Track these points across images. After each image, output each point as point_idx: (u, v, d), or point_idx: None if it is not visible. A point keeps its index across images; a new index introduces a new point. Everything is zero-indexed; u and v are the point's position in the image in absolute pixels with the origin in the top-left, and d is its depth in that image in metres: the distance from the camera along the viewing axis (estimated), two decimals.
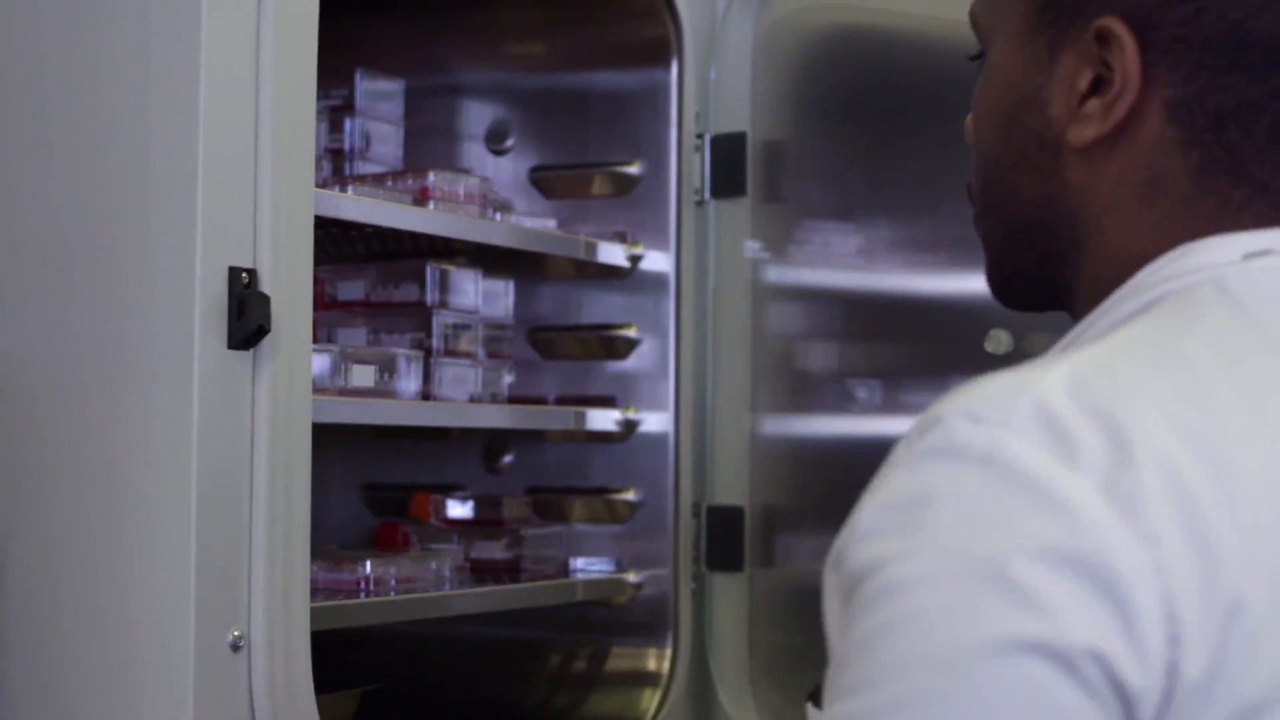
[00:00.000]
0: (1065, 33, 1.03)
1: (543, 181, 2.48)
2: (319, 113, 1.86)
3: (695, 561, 2.35)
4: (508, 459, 2.52)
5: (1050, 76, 1.04)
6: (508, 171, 2.50)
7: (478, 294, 2.27)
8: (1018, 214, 1.08)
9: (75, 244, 1.69)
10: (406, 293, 2.23)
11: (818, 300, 2.41)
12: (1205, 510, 0.84)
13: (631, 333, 2.39)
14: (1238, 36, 0.99)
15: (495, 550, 2.32)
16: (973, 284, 2.20)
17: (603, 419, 2.34)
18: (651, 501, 2.36)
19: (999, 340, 2.03)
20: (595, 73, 2.46)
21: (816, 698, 0.99)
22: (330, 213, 1.87)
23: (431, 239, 2.16)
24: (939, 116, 2.18)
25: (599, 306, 2.43)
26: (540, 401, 2.44)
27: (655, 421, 2.36)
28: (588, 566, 2.39)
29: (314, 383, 1.77)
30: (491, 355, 2.27)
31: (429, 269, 2.21)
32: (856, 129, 2.36)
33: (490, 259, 2.30)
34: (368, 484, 2.57)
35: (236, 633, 1.64)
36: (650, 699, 2.34)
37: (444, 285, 2.22)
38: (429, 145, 2.48)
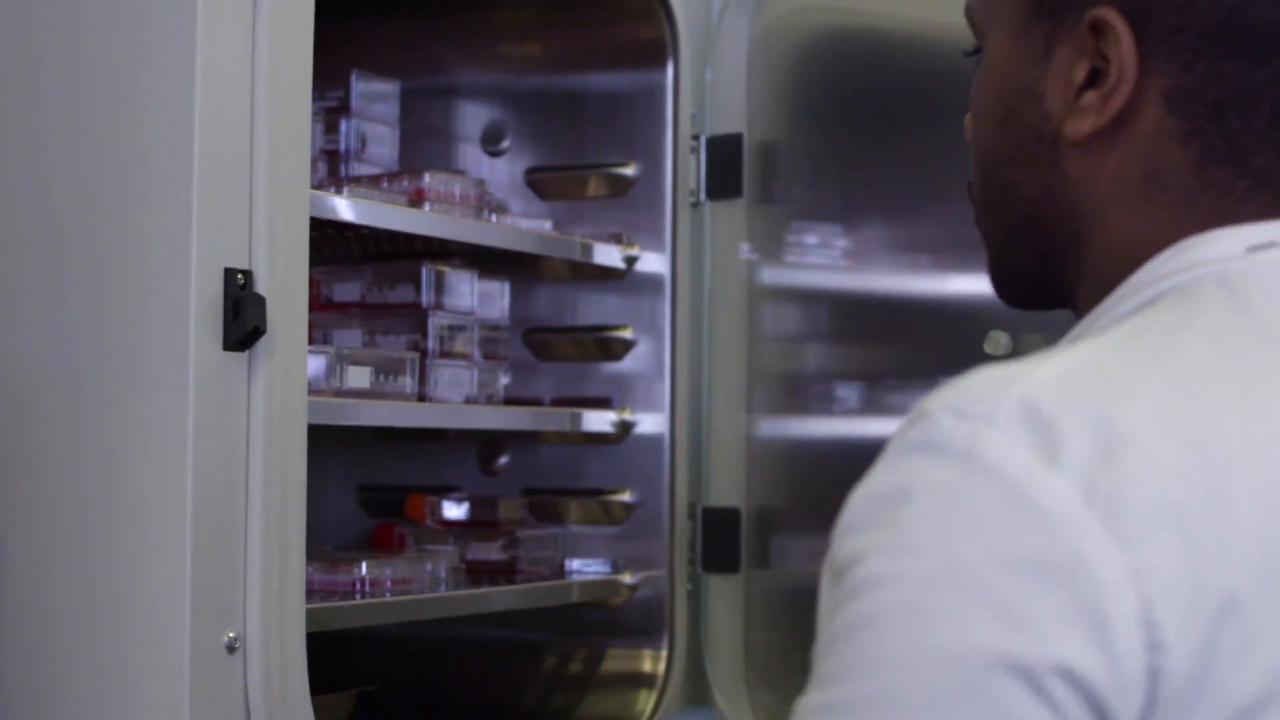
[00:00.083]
0: (1060, 25, 1.03)
1: (538, 183, 2.48)
2: (314, 114, 1.86)
3: (691, 563, 2.35)
4: (503, 460, 2.52)
5: (1046, 70, 1.03)
6: (503, 173, 2.50)
7: (473, 295, 2.27)
8: (1017, 210, 1.07)
9: (70, 245, 1.69)
10: (402, 294, 2.23)
11: (813, 302, 2.41)
12: (1196, 509, 0.84)
13: (627, 334, 2.39)
14: (1234, 23, 0.98)
15: (491, 551, 2.31)
16: (969, 285, 2.20)
17: (598, 420, 2.34)
18: (647, 503, 2.36)
19: (998, 342, 2.03)
20: (591, 74, 2.46)
21: None
22: (326, 214, 1.87)
23: (427, 240, 2.16)
24: (935, 118, 2.18)
25: (594, 308, 2.43)
26: (536, 403, 2.44)
27: (651, 423, 2.36)
28: (583, 568, 2.39)
29: (309, 384, 1.77)
30: (487, 356, 2.27)
31: (424, 270, 2.21)
32: (852, 130, 2.36)
33: (486, 260, 2.30)
34: (363, 485, 2.56)
35: (232, 634, 1.64)
36: (646, 700, 2.34)
37: (439, 287, 2.22)
38: (424, 146, 2.48)
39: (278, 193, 1.68)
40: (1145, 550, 0.82)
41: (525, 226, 2.31)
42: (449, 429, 2.48)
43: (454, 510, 2.43)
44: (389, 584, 2.06)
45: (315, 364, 1.91)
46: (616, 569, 2.37)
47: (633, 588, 2.35)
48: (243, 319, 1.63)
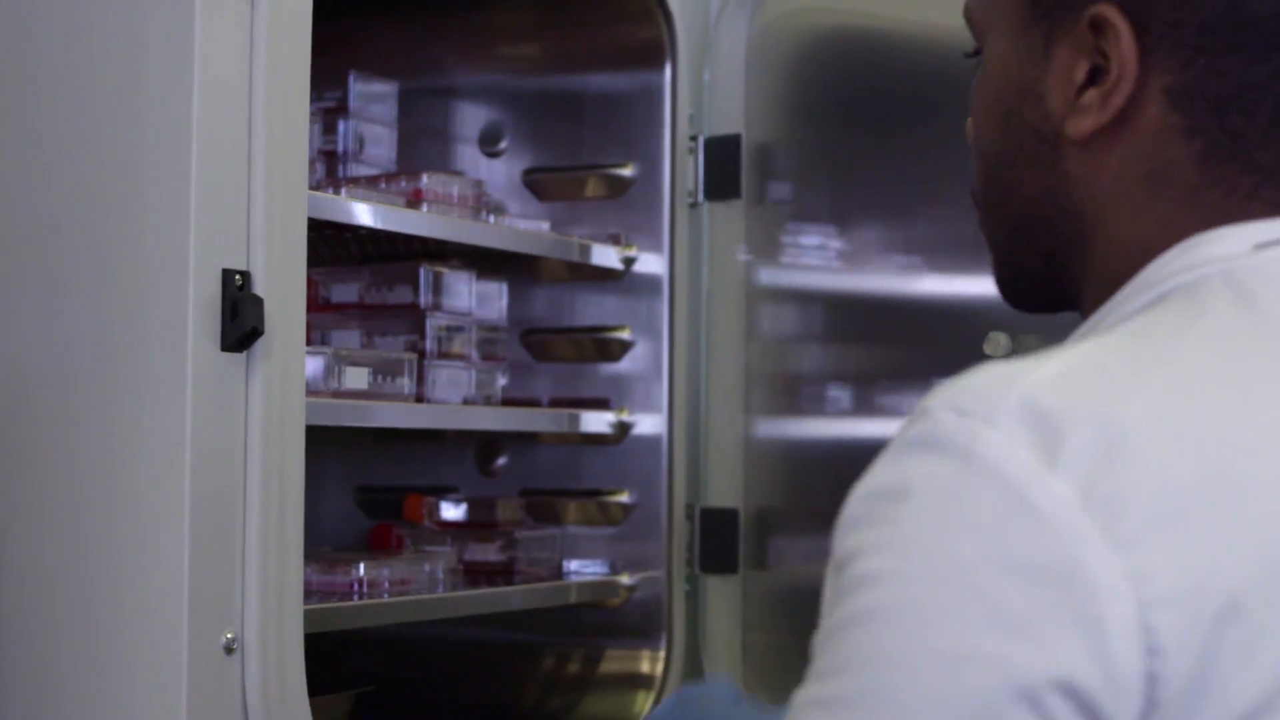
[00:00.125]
0: (1060, 24, 1.02)
1: (536, 184, 2.48)
2: (312, 115, 1.86)
3: (689, 564, 2.35)
4: (501, 461, 2.52)
5: (1046, 69, 1.02)
6: (501, 174, 2.50)
7: (471, 296, 2.27)
8: (1020, 211, 1.06)
9: (69, 246, 1.69)
10: (400, 295, 2.23)
11: (811, 302, 2.41)
12: (1197, 510, 0.83)
13: (625, 335, 2.39)
14: (1235, 17, 0.97)
15: (489, 552, 2.31)
16: (967, 286, 2.20)
17: (596, 421, 2.34)
18: (645, 504, 2.36)
19: (998, 343, 2.03)
20: (589, 75, 2.46)
21: None
22: (324, 215, 1.87)
23: (425, 241, 2.16)
24: (933, 119, 2.19)
25: (592, 308, 2.43)
26: (534, 404, 2.44)
27: (649, 424, 2.36)
28: (581, 569, 2.39)
29: (307, 385, 1.77)
30: (485, 357, 2.27)
31: (422, 271, 2.21)
32: (850, 131, 2.36)
33: (484, 261, 2.30)
34: (361, 486, 2.56)
35: (230, 635, 1.64)
36: (644, 701, 2.34)
37: (437, 287, 2.22)
38: (423, 147, 2.48)
39: (276, 193, 1.68)
40: (1144, 553, 0.82)
41: (523, 227, 2.31)
42: (447, 430, 2.48)
43: (452, 511, 2.43)
44: (387, 585, 2.06)
45: (313, 365, 1.91)
46: (614, 570, 2.37)
47: (631, 588, 2.35)
48: (240, 320, 1.63)
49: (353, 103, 2.26)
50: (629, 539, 2.37)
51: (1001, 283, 1.11)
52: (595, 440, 2.39)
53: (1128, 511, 0.82)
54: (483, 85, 2.56)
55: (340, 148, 2.24)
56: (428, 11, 2.49)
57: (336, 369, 1.96)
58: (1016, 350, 2.03)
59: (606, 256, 2.34)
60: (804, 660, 0.89)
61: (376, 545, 2.36)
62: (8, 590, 1.70)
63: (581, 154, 2.45)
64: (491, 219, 2.26)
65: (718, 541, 2.35)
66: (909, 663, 0.82)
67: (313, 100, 1.76)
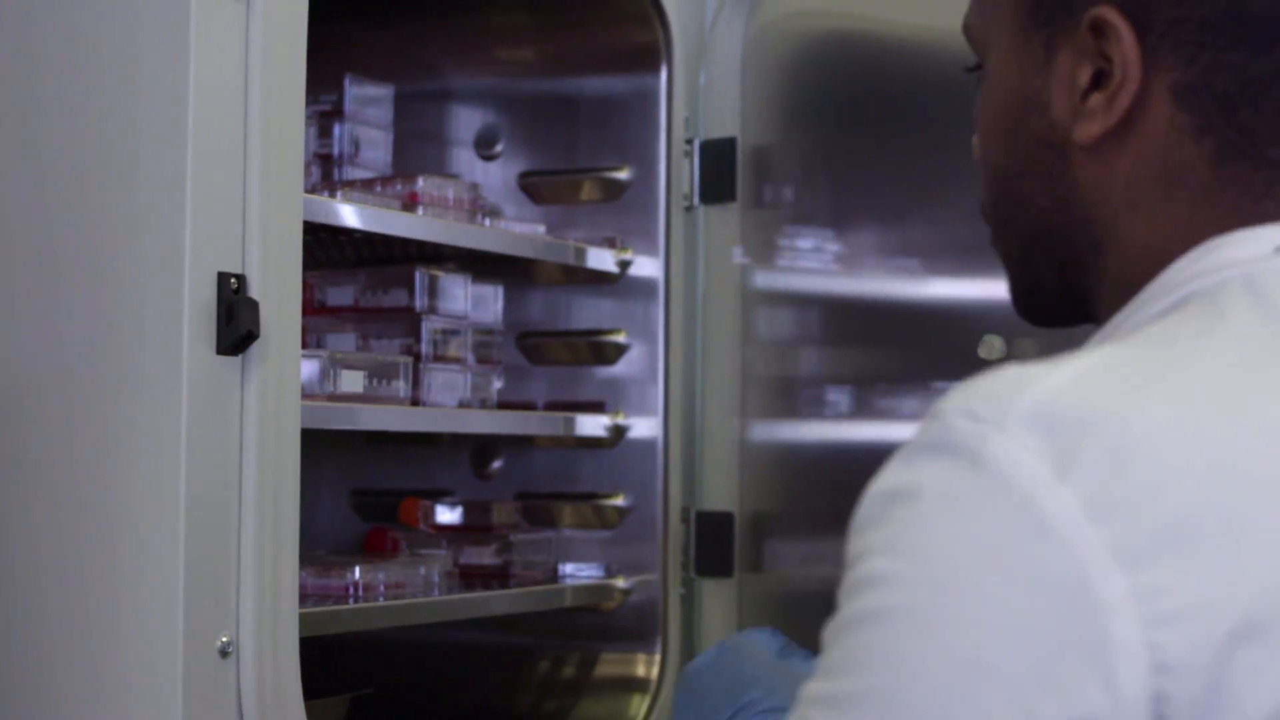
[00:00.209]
0: (1060, 29, 1.01)
1: (532, 187, 2.48)
2: (308, 118, 1.86)
3: (684, 567, 2.35)
4: (497, 464, 2.52)
5: (1049, 77, 1.01)
6: (497, 177, 2.50)
7: (467, 299, 2.27)
8: (1032, 222, 1.05)
9: (64, 249, 1.69)
10: (396, 298, 2.22)
11: (807, 305, 2.41)
12: (1211, 525, 0.81)
13: (620, 338, 2.39)
14: (1235, 11, 0.96)
15: (484, 556, 2.31)
16: (963, 290, 2.20)
17: (592, 424, 2.34)
18: (640, 507, 2.36)
19: (992, 346, 2.03)
20: (585, 78, 2.46)
21: None
22: (319, 218, 1.86)
23: (421, 244, 2.16)
24: (928, 123, 2.19)
25: (588, 312, 2.43)
26: (529, 407, 2.44)
27: (644, 427, 2.36)
28: (577, 572, 2.39)
29: (303, 388, 1.77)
30: (481, 360, 2.27)
31: (418, 274, 2.21)
32: (846, 134, 2.36)
33: (479, 264, 2.30)
34: (356, 489, 2.56)
35: (225, 638, 1.64)
36: (639, 705, 2.34)
37: (433, 290, 2.22)
38: (418, 150, 2.48)
39: (271, 197, 1.68)
40: (1153, 568, 0.80)
41: (519, 231, 2.31)
42: (442, 433, 2.48)
43: (447, 514, 2.43)
44: (382, 588, 2.06)
45: (308, 368, 1.91)
46: (610, 573, 2.37)
47: (626, 592, 2.35)
48: (236, 323, 1.62)
49: (348, 106, 2.26)
50: (624, 542, 2.37)
51: (1016, 297, 1.09)
52: (590, 443, 2.39)
53: (1139, 524, 0.81)
54: (478, 88, 2.56)
55: (336, 151, 2.24)
56: (423, 14, 2.49)
57: (332, 372, 1.96)
58: (1012, 354, 2.03)
59: (602, 260, 2.33)
60: None
61: (372, 548, 2.36)
62: (3, 593, 1.70)
63: (577, 157, 2.45)
64: (487, 222, 2.26)
65: (713, 545, 2.35)
66: (911, 665, 0.82)
67: (308, 103, 1.76)
